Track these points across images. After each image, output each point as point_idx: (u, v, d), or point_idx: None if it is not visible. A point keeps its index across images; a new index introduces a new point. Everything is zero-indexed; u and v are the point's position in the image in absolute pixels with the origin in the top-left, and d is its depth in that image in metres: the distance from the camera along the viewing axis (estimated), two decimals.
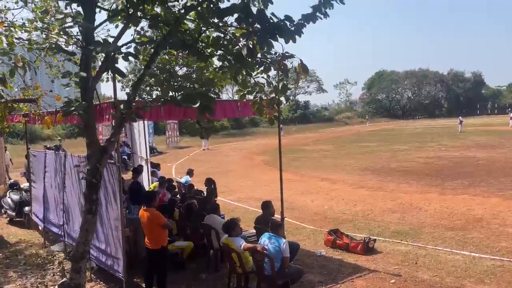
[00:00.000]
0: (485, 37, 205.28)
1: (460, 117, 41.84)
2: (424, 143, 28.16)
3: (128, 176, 11.04)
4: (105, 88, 43.55)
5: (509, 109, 70.07)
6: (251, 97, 4.86)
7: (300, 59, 3.72)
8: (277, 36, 3.14)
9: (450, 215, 9.60)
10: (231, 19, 3.56)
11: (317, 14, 3.27)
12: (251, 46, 3.33)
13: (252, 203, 11.54)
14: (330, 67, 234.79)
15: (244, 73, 3.95)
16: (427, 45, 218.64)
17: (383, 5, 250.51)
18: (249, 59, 3.36)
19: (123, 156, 16.72)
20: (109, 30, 5.26)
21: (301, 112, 67.79)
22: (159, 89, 3.88)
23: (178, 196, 9.54)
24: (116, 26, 4.38)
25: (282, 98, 5.02)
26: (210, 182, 9.65)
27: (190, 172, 11.40)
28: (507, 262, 6.58)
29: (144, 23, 4.24)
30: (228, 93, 63.81)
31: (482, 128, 41.25)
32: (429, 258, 6.93)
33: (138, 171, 9.62)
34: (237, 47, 3.47)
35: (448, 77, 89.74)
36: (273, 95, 4.78)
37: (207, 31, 3.86)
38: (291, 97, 75.80)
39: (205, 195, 9.41)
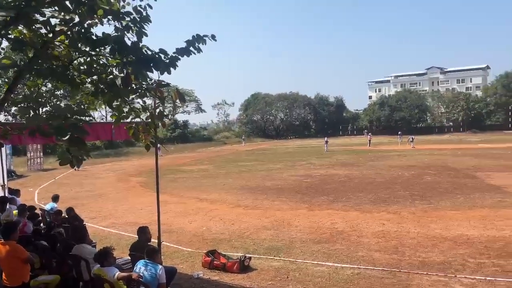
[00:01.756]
0: (346, 68, 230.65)
1: (326, 138, 46.13)
2: (295, 162, 30.26)
3: None
4: None
5: (365, 131, 79.47)
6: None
7: (177, 88, 3.86)
8: (152, 67, 3.20)
9: (317, 229, 10.49)
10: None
11: (191, 48, 3.43)
12: (124, 75, 3.32)
13: (127, 229, 11.08)
14: (209, 88, 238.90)
15: (119, 99, 3.89)
16: (297, 71, 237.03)
17: (256, 34, 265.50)
18: (123, 87, 3.35)
19: None
20: None
21: (180, 132, 67.39)
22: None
23: (42, 225, 8.71)
24: None
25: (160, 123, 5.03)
26: (69, 210, 9.08)
27: (55, 198, 10.53)
28: (363, 270, 7.44)
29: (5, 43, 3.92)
30: (101, 110, 60.41)
31: (343, 148, 45.96)
32: (298, 271, 7.48)
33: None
34: (111, 76, 3.43)
35: (315, 101, 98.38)
36: (150, 120, 4.78)
37: (80, 58, 3.73)
38: (169, 116, 74.89)
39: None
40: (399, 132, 59.62)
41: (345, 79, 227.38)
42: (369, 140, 49.98)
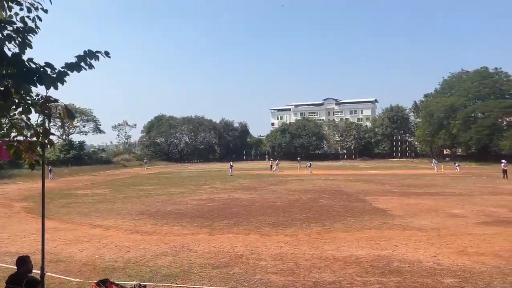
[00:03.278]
0: (251, 94, 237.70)
1: (231, 162, 46.69)
2: (198, 186, 30.01)
3: None
4: None
5: (267, 156, 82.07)
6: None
7: (65, 104, 3.58)
8: (36, 82, 2.97)
9: (217, 253, 10.43)
10: None
11: (82, 64, 3.26)
12: (4, 88, 3.03)
13: (6, 259, 9.91)
14: (109, 108, 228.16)
15: None
16: (202, 94, 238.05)
17: (158, 55, 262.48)
18: (3, 102, 3.05)
19: None
20: None
21: (75, 153, 62.90)
22: None
23: None
24: None
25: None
26: None
27: None
28: None
29: None
30: None
31: (247, 172, 46.84)
32: None
33: None
34: None
35: (220, 125, 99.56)
36: (34, 138, 4.39)
37: None
38: (64, 136, 69.89)
39: None
40: (298, 158, 62.73)
41: (249, 105, 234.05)
42: (276, 165, 51.75)
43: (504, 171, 35.52)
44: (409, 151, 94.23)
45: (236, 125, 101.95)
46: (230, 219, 15.64)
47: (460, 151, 78.74)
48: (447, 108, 69.81)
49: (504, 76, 72.92)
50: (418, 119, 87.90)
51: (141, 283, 7.56)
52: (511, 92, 71.25)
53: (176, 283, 8.12)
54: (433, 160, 56.93)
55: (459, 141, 70.19)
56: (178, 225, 14.62)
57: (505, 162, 37.23)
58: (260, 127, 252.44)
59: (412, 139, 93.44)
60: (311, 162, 50.49)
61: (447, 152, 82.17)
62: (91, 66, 3.30)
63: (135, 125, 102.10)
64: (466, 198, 21.52)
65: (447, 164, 61.28)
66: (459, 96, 72.08)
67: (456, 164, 50.98)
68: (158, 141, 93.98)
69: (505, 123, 66.65)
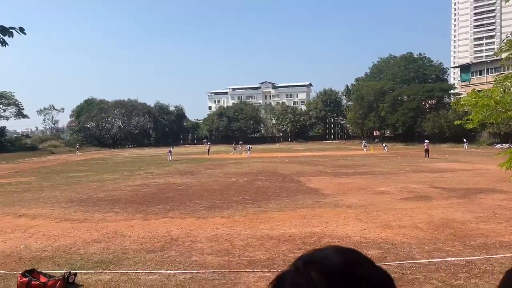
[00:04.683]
0: (187, 77, 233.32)
1: (171, 147, 45.65)
2: (133, 172, 29.20)
3: None
4: None
5: (205, 140, 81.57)
6: None
7: None
8: None
9: (152, 238, 10.30)
10: None
11: None
12: None
13: None
14: (34, 91, 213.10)
15: None
16: (136, 77, 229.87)
17: (91, 35, 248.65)
18: None
19: None
20: None
21: None
22: None
23: None
24: None
25: None
26: None
27: None
28: (195, 274, 7.58)
29: None
30: None
31: (184, 157, 46.30)
32: (130, 282, 7.21)
33: None
34: None
35: (155, 109, 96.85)
36: None
37: None
38: None
39: None
40: (234, 142, 62.99)
41: (185, 88, 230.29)
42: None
43: (426, 150, 38.27)
44: (341, 133, 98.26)
45: (172, 108, 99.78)
46: (165, 203, 15.46)
47: (388, 132, 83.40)
48: (376, 91, 73.48)
49: (427, 61, 78.16)
50: (349, 102, 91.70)
51: (71, 271, 7.32)
52: (433, 76, 76.62)
53: (109, 269, 7.94)
54: (363, 142, 59.96)
55: (387, 123, 74.37)
56: (111, 211, 14.19)
57: (427, 142, 40.13)
58: (197, 111, 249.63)
59: (344, 121, 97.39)
60: (250, 146, 50.79)
61: (377, 134, 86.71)
62: (4, 43, 3.08)
63: (62, 109, 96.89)
64: (392, 176, 22.99)
65: (376, 145, 64.78)
66: (387, 80, 76.18)
67: (384, 145, 54.13)
68: (88, 126, 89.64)
69: (427, 106, 71.58)
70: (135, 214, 13.61)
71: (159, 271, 7.74)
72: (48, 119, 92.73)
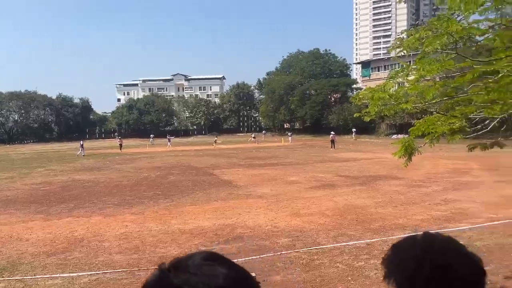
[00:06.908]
0: (93, 68, 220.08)
1: (82, 141, 42.69)
2: (32, 169, 26.82)
3: None
4: None
5: (116, 134, 77.82)
6: None
7: None
8: None
9: (53, 240, 9.54)
10: None
11: None
12: None
13: None
14: None
15: None
16: (35, 67, 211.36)
17: None
18: None
19: None
20: None
21: None
22: None
23: None
24: None
25: None
26: None
27: None
28: (102, 275, 7.18)
29: None
30: None
31: (91, 152, 43.64)
32: None
33: None
34: None
35: (57, 102, 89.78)
36: None
37: None
38: None
39: None
40: (152, 135, 61.53)
41: (91, 79, 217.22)
42: (120, 145, 47.63)
43: (332, 141, 40.57)
44: (254, 126, 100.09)
45: (76, 101, 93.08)
46: (69, 202, 14.44)
47: (297, 125, 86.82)
48: (286, 85, 76.04)
49: (332, 57, 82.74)
50: (262, 96, 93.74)
51: None
52: (338, 72, 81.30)
53: (3, 277, 7.19)
54: (252, 134, 63.59)
55: (297, 116, 77.45)
56: (5, 213, 12.89)
57: (333, 133, 42.61)
58: (105, 103, 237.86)
59: (257, 114, 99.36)
60: (170, 137, 50.75)
61: (287, 126, 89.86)
62: None
63: None
64: (301, 166, 23.97)
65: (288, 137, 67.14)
66: (296, 75, 79.23)
67: (289, 134, 57.80)
68: None
69: (333, 99, 75.80)
70: (34, 214, 12.50)
71: (61, 275, 7.20)
72: None
